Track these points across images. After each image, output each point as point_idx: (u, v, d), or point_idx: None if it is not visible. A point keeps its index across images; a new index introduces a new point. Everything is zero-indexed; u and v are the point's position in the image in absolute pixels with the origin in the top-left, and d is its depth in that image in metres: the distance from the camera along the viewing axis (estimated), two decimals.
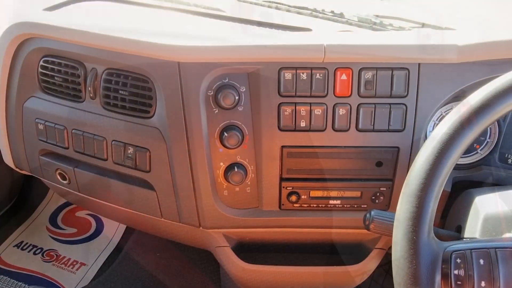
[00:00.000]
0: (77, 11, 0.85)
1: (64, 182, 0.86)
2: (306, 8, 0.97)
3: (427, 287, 0.43)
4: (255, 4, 0.97)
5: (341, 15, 0.95)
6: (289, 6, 0.98)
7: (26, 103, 0.81)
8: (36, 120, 0.81)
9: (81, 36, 0.71)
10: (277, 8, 0.97)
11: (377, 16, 0.95)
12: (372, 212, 0.58)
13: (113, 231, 1.63)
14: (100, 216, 1.69)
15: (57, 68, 0.77)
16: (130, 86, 0.72)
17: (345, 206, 0.75)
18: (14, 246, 1.56)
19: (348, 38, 0.66)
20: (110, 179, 0.80)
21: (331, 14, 0.95)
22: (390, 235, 0.56)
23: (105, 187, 0.82)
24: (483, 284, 0.45)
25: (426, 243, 0.44)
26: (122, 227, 1.65)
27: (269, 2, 0.97)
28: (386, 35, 0.68)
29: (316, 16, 0.94)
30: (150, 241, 1.49)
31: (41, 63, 0.78)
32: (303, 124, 0.68)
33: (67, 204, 1.74)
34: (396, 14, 0.98)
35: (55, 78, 0.78)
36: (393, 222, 0.54)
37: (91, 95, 0.75)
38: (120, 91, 0.73)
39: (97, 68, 0.74)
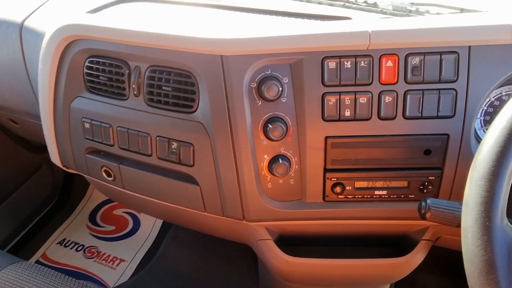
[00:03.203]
0: (118, 13, 0.88)
1: (109, 179, 0.89)
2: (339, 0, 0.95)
3: (506, 275, 0.41)
4: (281, 10, 0.96)
5: (375, 4, 0.93)
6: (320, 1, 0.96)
7: (73, 103, 0.84)
8: (83, 119, 0.84)
9: (125, 35, 0.73)
10: (308, 1, 0.96)
11: (412, 3, 0.92)
12: (428, 201, 0.56)
13: (149, 228, 1.68)
14: (136, 214, 1.74)
15: (102, 68, 0.79)
16: (173, 82, 0.73)
17: (392, 196, 0.73)
18: (57, 243, 1.62)
19: (392, 24, 0.64)
20: (154, 174, 0.81)
21: (364, 4, 0.94)
22: (448, 224, 0.55)
23: (149, 182, 0.84)
24: None
25: (500, 229, 0.42)
26: (158, 224, 1.68)
27: None
28: (430, 20, 0.66)
29: (349, 7, 0.93)
30: (186, 237, 1.51)
31: (87, 63, 0.80)
32: (347, 113, 0.67)
33: (105, 203, 1.80)
34: (432, 1, 0.95)
35: (100, 77, 0.80)
36: (451, 210, 0.53)
37: (135, 92, 0.77)
38: (163, 87, 0.74)
39: (140, 66, 0.76)
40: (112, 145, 0.83)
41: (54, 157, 0.94)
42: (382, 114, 0.67)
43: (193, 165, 0.76)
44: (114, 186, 0.90)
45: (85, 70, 0.81)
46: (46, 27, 0.92)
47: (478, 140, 0.72)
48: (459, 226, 0.55)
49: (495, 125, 0.46)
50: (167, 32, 0.70)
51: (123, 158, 0.85)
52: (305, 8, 0.89)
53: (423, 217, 0.57)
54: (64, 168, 0.96)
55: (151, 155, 0.79)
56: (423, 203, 0.57)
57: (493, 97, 0.71)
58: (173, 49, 0.70)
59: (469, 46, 0.63)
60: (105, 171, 0.88)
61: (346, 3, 0.95)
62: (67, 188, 1.81)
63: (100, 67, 0.79)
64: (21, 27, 0.98)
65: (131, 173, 0.84)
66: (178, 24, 0.72)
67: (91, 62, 0.80)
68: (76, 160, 0.91)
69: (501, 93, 0.71)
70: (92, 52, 0.79)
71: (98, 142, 0.84)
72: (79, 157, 0.90)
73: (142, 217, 1.72)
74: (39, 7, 1.03)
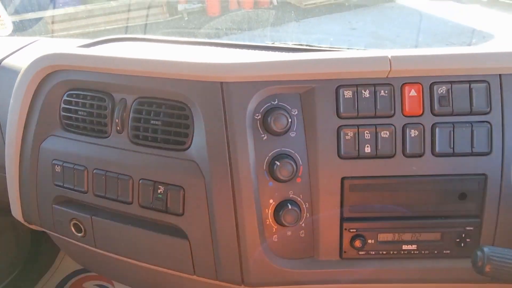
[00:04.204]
0: (110, 47, 0.81)
1: (79, 235, 0.74)
2: (339, 49, 0.92)
3: None
4: (284, 47, 0.93)
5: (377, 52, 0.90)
6: (320, 47, 0.93)
7: (44, 143, 0.73)
8: (54, 161, 0.71)
9: (111, 63, 0.65)
10: (306, 50, 0.92)
11: None
12: (486, 249, 0.44)
13: None
14: (108, 287, 1.51)
15: (82, 102, 0.69)
16: (163, 115, 0.63)
17: (423, 252, 0.61)
18: None
19: (414, 51, 0.58)
20: (133, 227, 0.67)
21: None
22: None
23: (126, 238, 0.69)
24: None
25: None
26: None
27: (299, 44, 0.93)
28: (455, 47, 0.60)
29: None
30: None
31: (65, 97, 0.71)
32: (367, 149, 0.58)
33: (74, 274, 1.58)
34: None
35: (79, 112, 0.70)
36: None
37: (118, 128, 0.67)
38: (151, 122, 0.64)
39: (126, 98, 0.66)
40: (86, 192, 0.70)
41: (16, 209, 0.79)
42: (407, 151, 0.58)
43: (183, 213, 0.63)
44: (83, 245, 0.75)
45: (63, 105, 0.71)
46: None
47: None
48: None
49: None
50: (158, 58, 0.62)
51: (97, 208, 0.71)
52: None
53: (480, 271, 0.45)
54: (25, 223, 0.81)
55: (131, 203, 0.66)
56: (478, 253, 0.45)
57: None
58: (166, 76, 0.62)
59: (500, 75, 0.57)
60: (74, 225, 0.73)
61: (347, 49, 0.92)
62: (33, 257, 1.58)
63: (80, 100, 0.70)
64: None
65: (105, 227, 0.70)
66: (172, 54, 0.65)
67: (70, 95, 0.70)
68: (41, 213, 0.76)
69: None
70: (72, 84, 0.70)
71: (69, 188, 0.71)
72: (44, 209, 0.75)
73: None
74: (22, 48, 0.96)
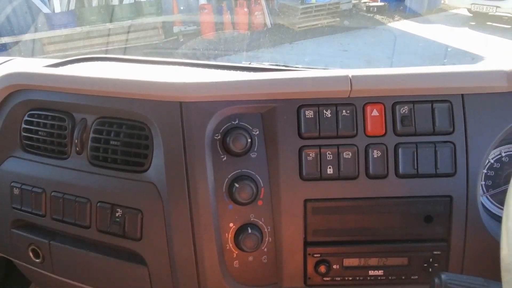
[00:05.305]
0: (78, 67, 0.80)
1: (37, 261, 0.70)
2: (316, 68, 0.92)
3: None
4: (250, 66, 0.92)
5: None
6: (297, 67, 0.93)
7: (3, 165, 0.70)
8: (12, 184, 0.69)
9: (72, 81, 0.64)
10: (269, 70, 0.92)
11: None
12: (443, 276, 0.42)
13: None
14: None
15: (43, 122, 0.68)
16: (123, 135, 0.62)
17: (390, 278, 0.58)
18: None
19: (375, 70, 0.58)
20: (90, 253, 0.65)
21: None
22: None
23: (84, 264, 0.66)
24: None
25: None
26: None
27: (275, 64, 0.92)
28: (417, 68, 0.60)
29: None
30: None
31: (26, 117, 0.69)
32: (330, 171, 0.56)
33: None
34: None
35: (39, 133, 0.68)
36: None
37: (77, 149, 0.65)
38: (111, 142, 0.62)
39: (87, 118, 0.65)
40: (43, 216, 0.67)
41: None
42: (371, 172, 0.56)
43: (141, 238, 0.60)
44: (42, 271, 0.71)
45: (23, 126, 0.69)
46: None
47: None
48: None
49: None
50: (119, 77, 0.61)
51: (55, 233, 0.68)
52: None
53: None
54: None
55: (89, 227, 0.63)
56: (436, 280, 0.42)
57: (492, 158, 0.62)
58: (125, 96, 0.60)
59: (462, 95, 0.56)
60: (32, 250, 0.70)
61: (309, 69, 0.91)
62: None
63: (41, 121, 0.68)
64: None
65: (63, 252, 0.67)
66: (134, 74, 0.64)
67: (31, 115, 0.69)
68: None
69: (500, 153, 0.62)
70: (34, 104, 0.68)
71: (27, 212, 0.68)
72: (3, 234, 0.72)
73: None
74: None
